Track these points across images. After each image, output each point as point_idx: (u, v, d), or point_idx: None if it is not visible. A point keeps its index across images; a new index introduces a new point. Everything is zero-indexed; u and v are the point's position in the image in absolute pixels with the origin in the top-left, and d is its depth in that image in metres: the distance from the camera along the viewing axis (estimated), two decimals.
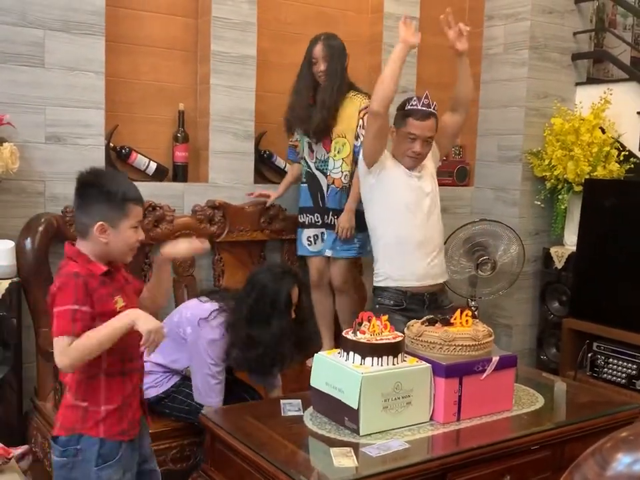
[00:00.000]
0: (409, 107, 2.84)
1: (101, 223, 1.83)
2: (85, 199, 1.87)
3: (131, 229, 1.87)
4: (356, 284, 3.53)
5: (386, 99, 2.73)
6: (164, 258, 2.04)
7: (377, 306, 2.87)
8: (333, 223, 3.23)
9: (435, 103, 2.84)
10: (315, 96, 3.20)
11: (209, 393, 2.46)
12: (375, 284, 2.96)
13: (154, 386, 2.61)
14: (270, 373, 2.61)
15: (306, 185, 3.29)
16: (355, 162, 3.15)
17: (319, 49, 3.16)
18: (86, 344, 1.74)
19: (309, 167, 3.28)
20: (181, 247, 2.06)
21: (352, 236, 3.18)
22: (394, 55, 2.77)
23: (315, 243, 3.30)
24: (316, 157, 3.25)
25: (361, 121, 3.16)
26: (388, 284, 2.88)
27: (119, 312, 1.82)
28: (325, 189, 3.25)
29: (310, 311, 2.98)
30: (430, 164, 2.96)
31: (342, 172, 3.20)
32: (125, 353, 1.88)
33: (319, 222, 3.27)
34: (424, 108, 2.81)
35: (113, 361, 1.86)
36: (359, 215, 3.14)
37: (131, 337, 1.80)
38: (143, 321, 1.77)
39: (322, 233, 3.27)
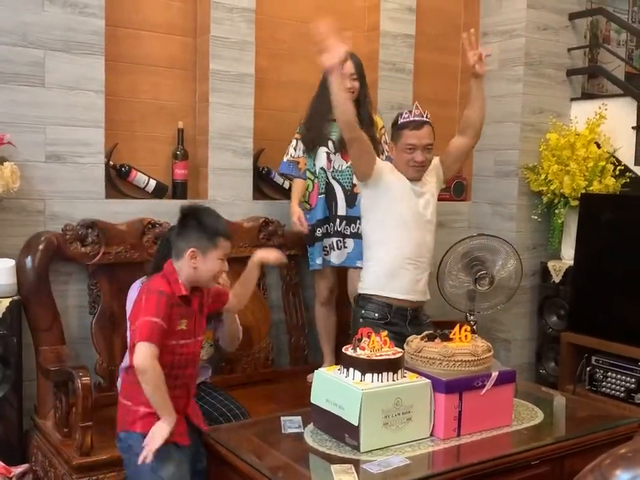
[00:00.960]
0: (401, 120, 2.84)
1: (193, 249, 2.13)
2: (183, 227, 2.19)
3: (217, 260, 2.17)
4: None
5: (349, 124, 2.72)
6: (257, 261, 2.43)
7: (361, 320, 2.83)
8: (347, 230, 3.26)
9: (426, 112, 2.84)
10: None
11: None
12: (360, 291, 2.90)
13: None
14: None
15: (324, 195, 3.30)
16: None
17: (349, 67, 3.18)
18: (152, 381, 2.03)
19: (326, 177, 3.30)
20: (272, 255, 2.49)
21: None
22: (331, 85, 2.68)
23: (330, 254, 3.30)
24: (333, 167, 3.29)
25: (384, 137, 3.33)
26: (376, 292, 2.85)
27: (178, 331, 2.12)
28: (339, 197, 3.28)
29: None
30: (433, 183, 2.94)
31: None
32: (174, 367, 2.14)
33: (331, 231, 3.29)
34: (417, 118, 2.82)
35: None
36: None
37: (179, 351, 2.12)
38: (162, 433, 2.04)
39: (332, 243, 3.27)
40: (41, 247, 2.80)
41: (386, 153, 3.28)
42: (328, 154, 3.29)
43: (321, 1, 3.76)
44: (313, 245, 3.34)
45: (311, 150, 3.31)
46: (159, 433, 2.03)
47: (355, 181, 3.21)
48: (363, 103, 3.24)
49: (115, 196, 3.19)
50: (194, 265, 2.14)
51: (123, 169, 3.22)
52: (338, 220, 3.27)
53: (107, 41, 3.05)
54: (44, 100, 2.90)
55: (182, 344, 2.15)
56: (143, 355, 2.02)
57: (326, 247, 3.31)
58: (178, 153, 3.32)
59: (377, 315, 2.82)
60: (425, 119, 2.82)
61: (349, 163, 3.24)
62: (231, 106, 3.35)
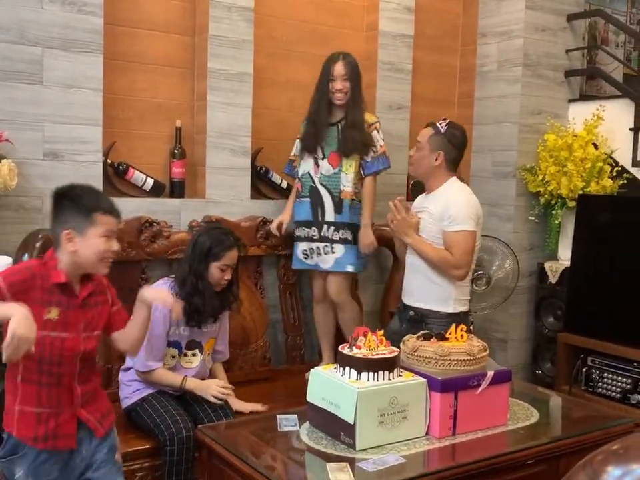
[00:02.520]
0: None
1: (67, 230, 1.92)
2: (57, 210, 1.98)
3: (99, 238, 1.94)
4: (353, 299, 3.55)
5: None
6: (141, 300, 2.11)
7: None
8: (335, 236, 3.25)
9: (445, 121, 2.96)
10: (330, 113, 3.24)
11: (148, 356, 2.58)
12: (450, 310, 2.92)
13: (128, 397, 2.69)
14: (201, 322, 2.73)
15: (308, 199, 3.29)
16: (361, 177, 3.28)
17: (339, 67, 3.19)
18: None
19: (312, 181, 3.28)
20: (156, 295, 2.15)
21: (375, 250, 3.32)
22: None
23: (311, 257, 3.30)
24: (321, 173, 3.27)
25: (369, 136, 3.27)
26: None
27: (46, 321, 1.89)
28: (326, 203, 3.26)
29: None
30: (435, 209, 2.91)
31: (353, 185, 3.25)
32: (43, 362, 1.91)
33: (315, 236, 3.28)
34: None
35: (27, 365, 1.90)
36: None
37: (50, 344, 1.89)
38: (16, 320, 1.70)
39: (318, 247, 3.28)
40: (38, 244, 2.79)
41: (372, 154, 3.26)
42: (316, 159, 3.27)
43: (319, 0, 3.76)
44: (294, 245, 3.36)
45: (311, 152, 3.27)
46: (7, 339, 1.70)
47: (342, 187, 3.23)
48: (353, 104, 3.22)
49: (113, 194, 3.18)
50: (72, 248, 1.92)
51: (121, 167, 3.22)
52: (326, 226, 3.26)
53: (106, 39, 3.05)
54: (42, 98, 2.90)
55: (53, 336, 1.91)
56: None
57: (306, 251, 3.30)
58: (176, 151, 3.32)
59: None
60: (433, 121, 3.00)
61: (336, 169, 3.24)
62: (229, 105, 3.36)
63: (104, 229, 1.96)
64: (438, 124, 2.94)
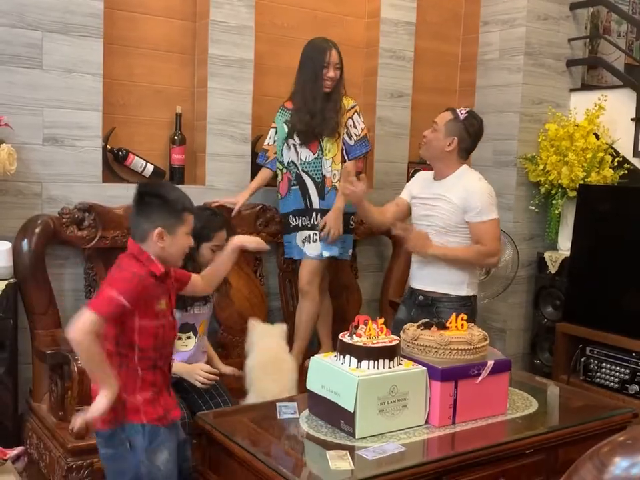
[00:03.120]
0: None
1: (160, 229, 1.99)
2: (144, 207, 2.03)
3: (186, 236, 2.07)
4: (351, 288, 3.55)
5: None
6: (235, 246, 2.32)
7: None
8: (320, 223, 3.22)
9: (465, 109, 2.98)
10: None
11: None
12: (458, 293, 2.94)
13: None
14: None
15: (297, 187, 3.26)
16: (342, 157, 3.24)
17: (335, 56, 3.16)
18: (86, 352, 1.88)
19: (297, 168, 3.25)
20: (251, 240, 2.41)
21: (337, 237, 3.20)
22: None
23: (305, 246, 3.27)
24: (301, 159, 3.23)
25: (350, 120, 3.22)
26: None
27: (158, 313, 2.00)
28: (310, 190, 3.23)
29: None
30: (456, 199, 2.89)
31: (332, 171, 3.21)
32: (157, 349, 2.03)
33: (309, 224, 3.25)
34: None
35: (145, 356, 2.00)
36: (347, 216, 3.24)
37: (161, 333, 2.01)
38: (95, 405, 1.89)
39: (309, 235, 3.24)
40: (37, 230, 2.79)
41: (354, 137, 3.23)
42: (295, 146, 3.23)
43: None
44: (288, 234, 3.33)
45: (310, 140, 3.21)
46: (95, 407, 1.88)
47: (325, 172, 3.20)
48: (336, 89, 3.19)
49: (112, 180, 3.18)
50: (162, 245, 2.00)
51: (120, 153, 3.20)
52: (314, 213, 3.23)
53: (106, 23, 3.03)
54: (42, 82, 2.88)
55: (164, 324, 2.03)
56: (86, 325, 1.84)
57: (308, 237, 3.26)
58: (176, 137, 3.30)
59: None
60: (454, 107, 3.02)
61: (315, 155, 3.21)
62: (230, 91, 3.34)
63: (190, 227, 2.07)
64: (458, 110, 2.95)
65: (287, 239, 3.36)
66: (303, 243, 3.29)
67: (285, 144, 3.26)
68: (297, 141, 3.22)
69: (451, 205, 2.88)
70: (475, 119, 2.95)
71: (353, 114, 3.24)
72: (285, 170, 3.29)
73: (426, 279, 2.96)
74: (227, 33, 3.30)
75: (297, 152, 3.24)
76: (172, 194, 2.05)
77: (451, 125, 2.91)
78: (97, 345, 1.87)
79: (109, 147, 3.17)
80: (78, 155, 2.98)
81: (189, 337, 2.76)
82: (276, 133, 3.31)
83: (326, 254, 3.23)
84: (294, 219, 3.30)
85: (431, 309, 2.89)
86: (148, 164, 3.25)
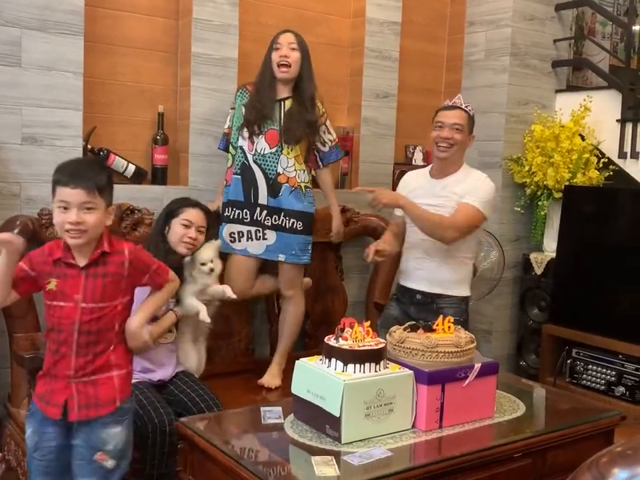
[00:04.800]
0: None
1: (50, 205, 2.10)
2: None
3: (56, 209, 1.99)
4: (336, 289, 3.50)
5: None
6: None
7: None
8: (267, 221, 3.01)
9: (469, 105, 2.99)
10: (272, 88, 3.01)
11: None
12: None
13: None
14: None
15: (239, 177, 3.02)
16: (314, 163, 3.17)
17: (287, 36, 2.99)
18: None
19: (245, 158, 3.01)
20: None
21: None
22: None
23: (240, 241, 3.04)
24: (255, 149, 2.99)
25: (323, 126, 3.13)
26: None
27: (47, 291, 2.02)
28: (259, 184, 3.00)
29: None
30: (460, 191, 2.91)
31: (295, 171, 3.02)
32: (52, 330, 2.05)
33: (246, 219, 3.01)
34: (451, 103, 3.00)
35: (47, 334, 2.07)
36: (310, 218, 3.09)
37: (52, 313, 2.03)
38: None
39: (249, 232, 3.02)
40: (16, 231, 2.72)
41: (329, 144, 3.15)
42: (251, 134, 2.99)
43: None
44: (220, 226, 3.08)
45: (257, 133, 2.99)
46: None
47: (279, 169, 2.99)
48: (304, 78, 3.01)
49: None
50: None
51: (101, 152, 3.14)
52: (259, 209, 3.00)
53: (86, 21, 2.97)
54: (20, 80, 2.82)
55: (54, 305, 2.02)
56: None
57: (234, 234, 3.04)
58: (158, 137, 3.25)
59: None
60: (459, 105, 2.96)
61: (273, 149, 2.99)
62: (213, 90, 3.29)
63: (59, 200, 1.98)
64: (465, 107, 2.96)
65: (220, 229, 3.08)
66: (233, 238, 3.05)
67: (241, 128, 3.04)
68: (256, 130, 2.99)
69: (452, 196, 2.91)
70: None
71: (325, 120, 3.14)
72: (235, 156, 3.08)
73: (425, 280, 2.96)
74: (210, 31, 3.25)
75: (251, 141, 3.00)
76: (60, 166, 2.05)
77: (469, 123, 2.97)
78: None
79: (89, 146, 3.11)
80: (58, 154, 2.92)
81: (170, 330, 2.72)
82: (234, 115, 3.12)
83: (282, 257, 3.05)
84: (227, 210, 3.05)
85: (432, 306, 2.93)
86: (130, 164, 3.20)
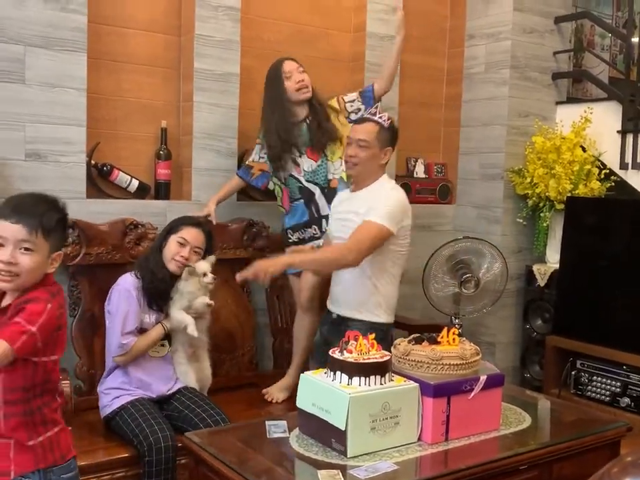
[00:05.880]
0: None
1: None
2: None
3: None
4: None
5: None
6: None
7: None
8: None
9: (384, 115, 2.77)
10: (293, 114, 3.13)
11: (118, 337, 2.60)
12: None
13: (107, 405, 2.63)
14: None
15: (301, 201, 3.17)
16: None
17: (291, 63, 3.12)
18: None
19: (299, 182, 3.16)
20: None
21: None
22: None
23: None
24: (303, 170, 3.15)
25: (350, 113, 3.24)
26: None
27: None
28: (318, 198, 3.15)
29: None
30: (362, 209, 2.70)
31: (340, 166, 3.14)
32: None
33: (317, 234, 3.17)
34: (366, 115, 2.84)
35: None
36: None
37: None
38: None
39: (319, 245, 3.12)
40: None
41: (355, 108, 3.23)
42: (294, 159, 3.14)
43: (307, 1, 3.73)
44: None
45: (280, 166, 3.15)
46: None
47: (330, 176, 3.14)
48: (314, 95, 3.15)
49: (97, 196, 3.13)
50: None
51: (105, 168, 3.16)
52: (324, 220, 3.12)
53: (90, 37, 2.99)
54: (24, 97, 2.84)
55: None
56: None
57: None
58: (161, 152, 3.27)
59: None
60: (369, 116, 2.78)
61: (318, 162, 3.14)
62: (216, 105, 3.31)
63: None
64: (378, 118, 2.75)
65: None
66: None
67: (279, 163, 3.16)
68: (296, 153, 3.14)
69: (358, 215, 2.69)
70: (392, 121, 2.82)
71: (345, 104, 3.24)
72: (283, 186, 3.21)
73: (337, 300, 2.84)
74: (212, 47, 3.27)
75: (297, 164, 3.16)
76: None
77: (382, 135, 2.74)
78: None
79: (93, 162, 3.13)
80: (61, 170, 2.93)
81: (162, 345, 2.73)
82: (262, 148, 3.22)
83: None
84: (293, 234, 3.22)
85: (340, 328, 2.67)
86: (133, 179, 3.21)
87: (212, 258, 2.79)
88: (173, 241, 2.71)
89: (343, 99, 3.25)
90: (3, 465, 1.74)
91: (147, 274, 2.66)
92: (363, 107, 3.21)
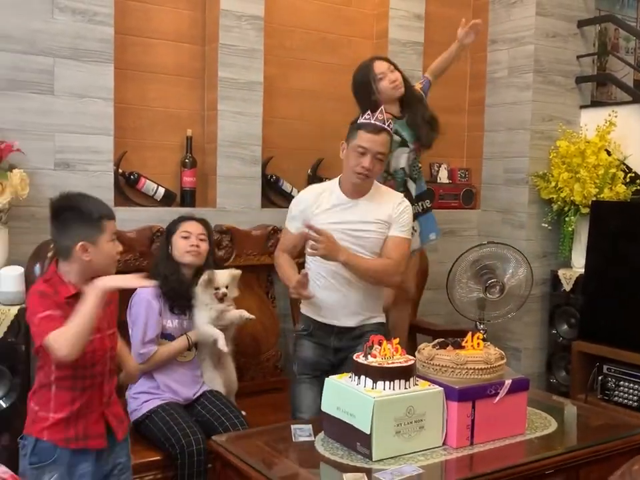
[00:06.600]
0: (361, 120, 2.65)
1: (82, 243, 1.97)
2: (60, 223, 2.01)
3: (109, 243, 2.02)
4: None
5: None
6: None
7: None
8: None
9: (390, 120, 2.69)
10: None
11: (140, 345, 2.63)
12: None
13: (137, 409, 2.67)
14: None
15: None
16: None
17: (381, 64, 3.13)
18: (73, 327, 1.87)
19: (405, 174, 3.22)
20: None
21: None
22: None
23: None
24: (409, 164, 3.22)
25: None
26: None
27: None
28: (411, 189, 3.24)
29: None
30: (384, 216, 2.68)
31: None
32: (78, 368, 1.97)
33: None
34: (377, 122, 2.62)
35: (61, 375, 1.98)
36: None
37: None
38: (99, 283, 1.91)
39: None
40: (49, 254, 2.78)
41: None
42: (409, 152, 3.17)
43: (329, 9, 3.76)
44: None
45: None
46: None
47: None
48: (407, 93, 3.18)
49: (124, 204, 3.19)
50: (87, 257, 1.98)
51: (132, 176, 3.21)
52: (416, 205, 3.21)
53: (116, 48, 3.05)
54: (53, 108, 2.90)
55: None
56: (56, 348, 1.86)
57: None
58: (187, 160, 3.31)
59: None
60: (385, 126, 2.63)
61: (415, 155, 3.22)
62: (240, 114, 3.35)
63: (111, 233, 2.03)
64: (387, 126, 2.64)
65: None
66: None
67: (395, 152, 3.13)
68: (412, 146, 3.18)
69: (379, 224, 2.66)
70: None
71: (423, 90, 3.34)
72: (389, 178, 3.17)
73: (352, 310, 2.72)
74: (236, 56, 3.32)
75: (408, 158, 3.19)
76: (86, 204, 2.02)
77: (389, 144, 2.70)
78: (63, 331, 1.88)
79: (120, 170, 3.19)
80: (90, 179, 2.99)
81: (188, 349, 2.75)
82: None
83: (432, 236, 3.35)
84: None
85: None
86: (159, 187, 3.26)
87: (236, 272, 2.84)
88: (177, 238, 2.77)
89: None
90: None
91: (161, 280, 2.68)
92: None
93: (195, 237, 2.77)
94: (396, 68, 3.16)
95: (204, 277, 2.72)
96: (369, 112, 2.65)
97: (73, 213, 1.99)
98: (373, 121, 2.61)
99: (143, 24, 3.25)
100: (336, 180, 2.76)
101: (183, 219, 2.83)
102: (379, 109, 2.67)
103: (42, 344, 1.90)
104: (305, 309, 2.78)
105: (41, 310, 1.92)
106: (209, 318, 2.72)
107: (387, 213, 2.68)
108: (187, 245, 2.75)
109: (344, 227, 2.64)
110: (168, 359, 2.69)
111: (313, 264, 2.70)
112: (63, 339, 1.86)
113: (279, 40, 3.60)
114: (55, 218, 2.02)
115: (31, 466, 1.99)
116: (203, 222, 2.86)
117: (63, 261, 2.02)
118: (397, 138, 3.08)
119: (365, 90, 3.09)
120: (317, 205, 2.70)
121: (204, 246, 2.79)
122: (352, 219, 2.66)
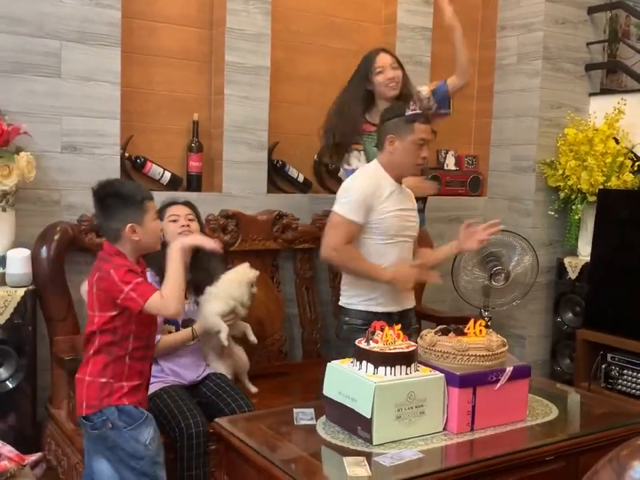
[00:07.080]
0: (409, 112, 2.59)
1: (130, 225, 2.11)
2: (106, 208, 2.14)
3: (153, 222, 2.18)
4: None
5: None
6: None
7: None
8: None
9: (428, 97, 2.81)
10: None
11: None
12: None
13: None
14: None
15: None
16: None
17: (384, 57, 3.07)
18: (172, 285, 2.11)
19: None
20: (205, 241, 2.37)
21: None
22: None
23: None
24: None
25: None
26: None
27: None
28: None
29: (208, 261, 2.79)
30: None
31: None
32: (149, 340, 2.23)
33: None
34: (424, 112, 2.69)
35: (136, 345, 2.16)
36: None
37: (152, 324, 2.21)
38: (178, 242, 2.23)
39: None
40: (56, 237, 2.81)
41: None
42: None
43: None
44: None
45: (340, 157, 3.11)
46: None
47: None
48: (405, 86, 3.11)
49: None
50: (136, 237, 2.13)
51: (138, 160, 3.22)
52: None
53: (123, 32, 3.05)
54: (60, 90, 2.91)
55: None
56: (162, 307, 2.08)
57: None
58: (193, 145, 3.32)
59: None
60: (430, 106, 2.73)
61: None
62: (247, 98, 3.35)
63: (153, 212, 2.19)
64: (427, 101, 2.76)
65: None
66: None
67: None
68: (363, 160, 3.11)
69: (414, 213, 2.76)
70: None
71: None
72: None
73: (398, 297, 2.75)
74: (243, 40, 3.31)
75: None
76: (127, 189, 2.17)
77: None
78: (167, 289, 2.11)
79: (126, 154, 3.20)
80: (96, 162, 3.00)
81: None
82: (366, 158, 3.04)
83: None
84: None
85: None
86: (165, 171, 3.27)
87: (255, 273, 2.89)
88: (166, 223, 2.72)
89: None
90: None
91: (157, 268, 2.60)
92: (434, 107, 3.16)
93: (184, 218, 2.76)
94: (401, 66, 3.11)
95: (255, 273, 2.83)
96: (412, 102, 2.65)
97: (116, 199, 2.12)
98: (419, 111, 2.60)
99: (150, 7, 3.25)
100: (373, 166, 2.68)
101: (167, 204, 2.80)
102: (413, 98, 2.74)
103: (143, 308, 2.06)
104: (363, 304, 2.67)
105: (133, 279, 2.08)
106: (219, 311, 2.73)
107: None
108: (177, 227, 2.73)
109: (405, 213, 2.68)
110: (171, 349, 2.70)
111: (374, 254, 2.63)
112: (171, 297, 2.08)
113: (287, 24, 3.59)
114: (100, 205, 2.15)
115: (126, 429, 2.12)
116: (188, 204, 2.85)
117: (114, 243, 2.16)
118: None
119: (360, 78, 3.07)
120: (380, 193, 2.61)
121: (194, 225, 2.78)
122: (405, 206, 2.69)
